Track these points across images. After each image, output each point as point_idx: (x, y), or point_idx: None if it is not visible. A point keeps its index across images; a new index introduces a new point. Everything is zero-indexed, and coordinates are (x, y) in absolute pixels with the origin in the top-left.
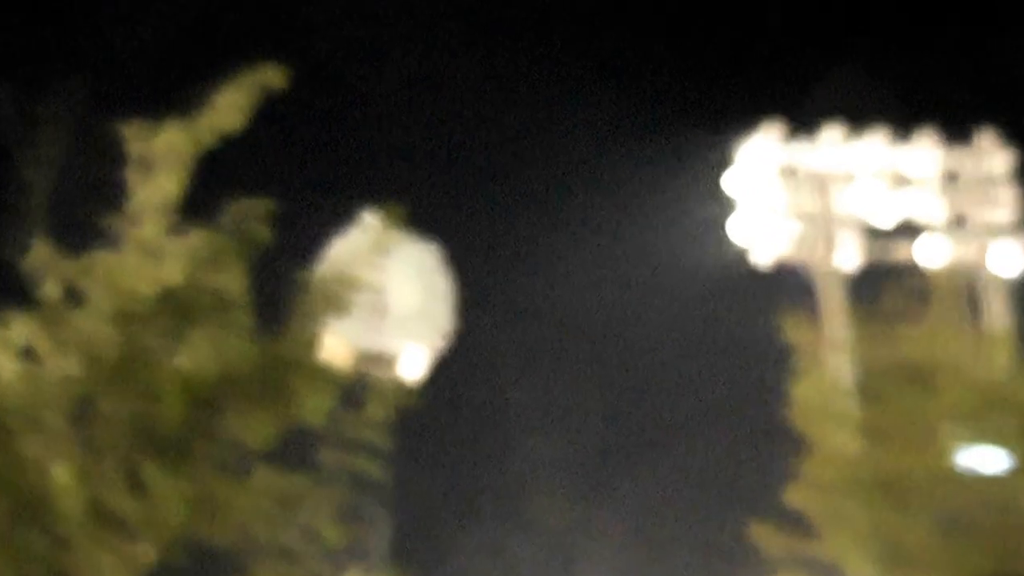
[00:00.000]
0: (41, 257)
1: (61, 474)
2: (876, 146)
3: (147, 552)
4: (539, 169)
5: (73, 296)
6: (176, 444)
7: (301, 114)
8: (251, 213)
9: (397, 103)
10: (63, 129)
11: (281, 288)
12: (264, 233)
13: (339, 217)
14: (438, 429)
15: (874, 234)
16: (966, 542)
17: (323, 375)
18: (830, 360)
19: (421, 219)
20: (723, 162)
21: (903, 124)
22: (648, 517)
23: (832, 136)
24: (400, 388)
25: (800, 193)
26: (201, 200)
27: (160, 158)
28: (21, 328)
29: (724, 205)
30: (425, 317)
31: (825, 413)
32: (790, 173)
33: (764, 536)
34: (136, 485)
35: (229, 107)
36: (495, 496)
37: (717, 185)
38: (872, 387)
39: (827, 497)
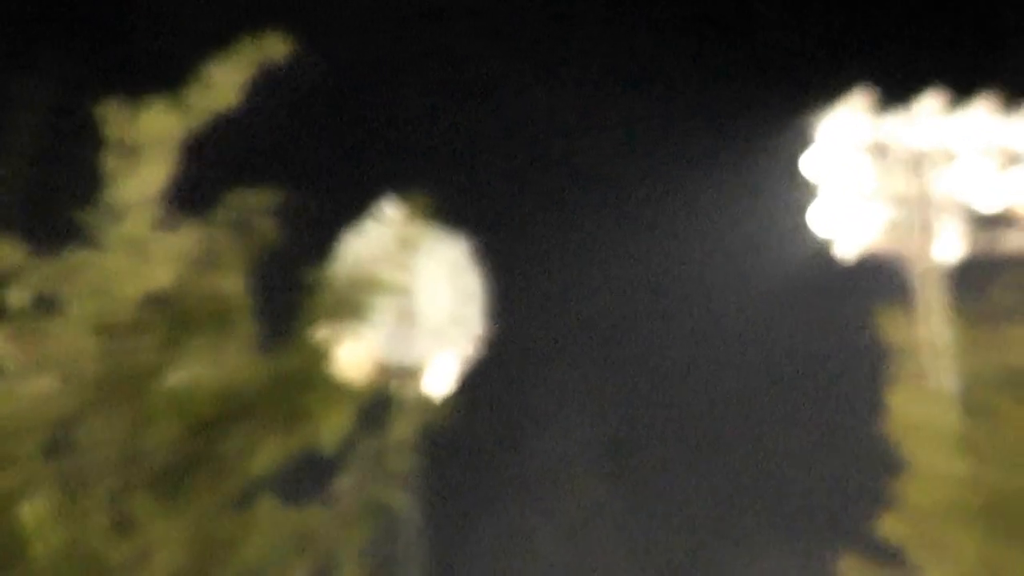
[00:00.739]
0: (10, 259)
1: (34, 512)
2: (981, 119)
3: None
4: (591, 154)
5: (47, 304)
6: (170, 475)
7: (310, 92)
8: (253, 205)
9: (422, 78)
10: (34, 112)
11: (290, 291)
12: (268, 228)
13: (356, 209)
14: (474, 449)
15: (979, 220)
16: None
17: (340, 391)
18: (929, 367)
19: (449, 210)
20: (802, 141)
21: (1013, 94)
22: (716, 544)
23: (930, 107)
24: (428, 404)
25: (892, 174)
26: (195, 191)
27: (146, 143)
28: None
29: (804, 191)
30: (455, 322)
31: (924, 428)
32: (880, 151)
33: (854, 571)
34: (123, 524)
35: (224, 83)
36: (549, 530)
37: (795, 168)
38: (978, 397)
39: (927, 525)
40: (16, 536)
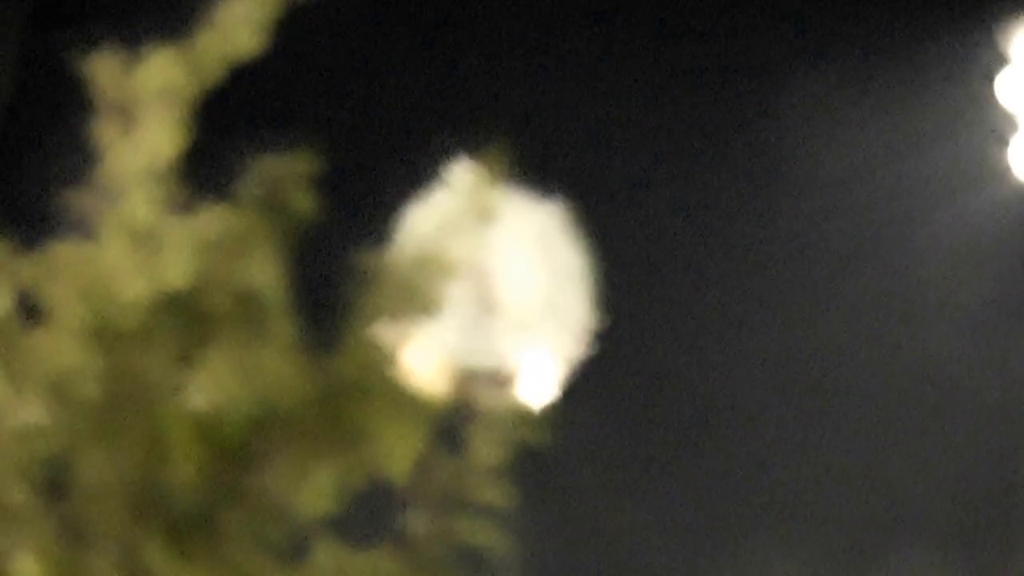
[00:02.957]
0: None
1: (28, 568)
2: None
3: None
4: (721, 85)
5: (33, 309)
6: (195, 518)
7: (353, 28)
8: (286, 175)
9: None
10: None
11: (339, 281)
12: (307, 203)
13: (419, 173)
14: (579, 472)
15: None
16: None
17: (407, 404)
18: None
19: (537, 168)
20: (997, 61)
21: None
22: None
23: None
24: (520, 417)
25: None
26: (212, 161)
27: (147, 103)
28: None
29: (1001, 122)
30: (552, 311)
31: None
32: None
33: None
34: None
35: (241, 24)
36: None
37: (990, 94)
38: None
39: None
40: None
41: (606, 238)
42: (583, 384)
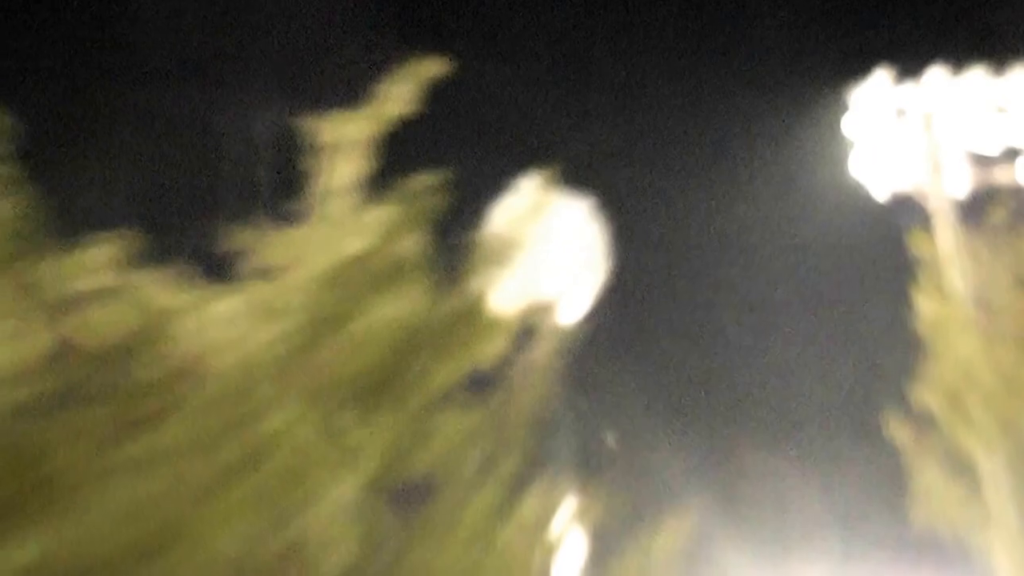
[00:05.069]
0: (243, 239)
1: (279, 416)
2: (977, 82)
3: (351, 488)
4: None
5: (271, 271)
6: (371, 392)
7: (459, 92)
8: (422, 186)
9: (549, 78)
10: (257, 129)
11: (454, 250)
12: (436, 202)
13: (501, 183)
14: (597, 361)
15: (979, 161)
16: None
17: (494, 325)
18: (947, 275)
19: (573, 177)
20: (842, 108)
21: (998, 61)
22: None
23: (936, 76)
24: (561, 331)
25: (911, 130)
26: (379, 178)
27: (342, 146)
28: (229, 302)
29: (845, 146)
30: (580, 266)
31: (946, 321)
32: (901, 112)
33: (896, 428)
34: (338, 431)
35: (399, 97)
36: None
37: (838, 129)
38: (985, 296)
39: (949, 394)
40: (261, 444)
41: (613, 219)
42: (600, 311)
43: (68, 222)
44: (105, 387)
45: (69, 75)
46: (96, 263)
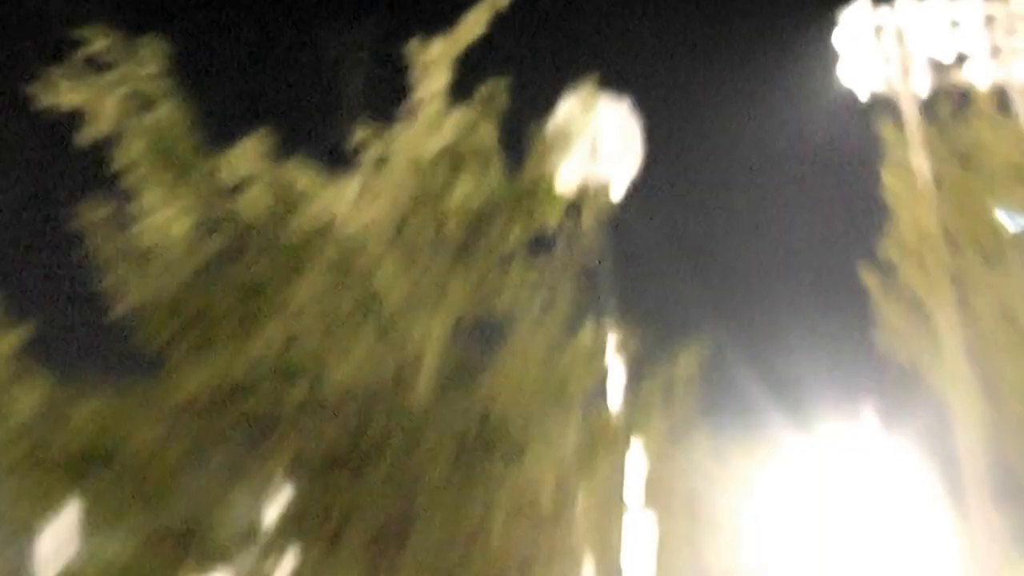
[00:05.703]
0: (362, 135)
1: (388, 270)
2: (936, 4)
3: (444, 324)
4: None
5: (380, 160)
6: (461, 246)
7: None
8: (498, 90)
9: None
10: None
11: (525, 142)
12: (506, 103)
13: (559, 87)
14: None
15: (938, 67)
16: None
17: (552, 199)
18: (911, 155)
19: (615, 82)
20: (833, 26)
21: None
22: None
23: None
24: (607, 204)
25: (887, 43)
26: (461, 84)
27: (433, 64)
28: (348, 185)
29: (835, 56)
30: (621, 153)
31: (907, 192)
32: (879, 29)
33: (869, 275)
34: (433, 280)
35: (475, 23)
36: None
37: (830, 43)
38: (940, 171)
39: (910, 250)
40: (377, 288)
41: (648, 115)
42: (636, 188)
43: (222, 125)
44: (256, 250)
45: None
46: (246, 156)
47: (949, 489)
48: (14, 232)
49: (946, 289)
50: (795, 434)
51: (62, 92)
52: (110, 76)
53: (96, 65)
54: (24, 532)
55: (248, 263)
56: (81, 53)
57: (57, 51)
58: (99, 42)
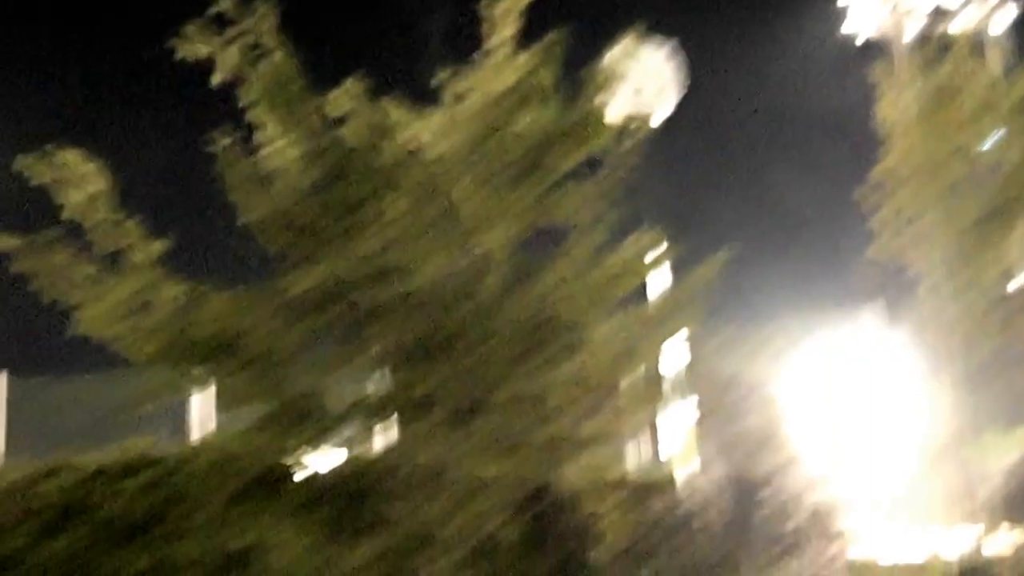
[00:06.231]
0: (444, 76)
1: (464, 188)
2: None
3: (508, 234)
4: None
5: (459, 96)
6: (523, 171)
7: None
8: (557, 38)
9: None
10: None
11: (574, 81)
12: (563, 49)
13: (612, 34)
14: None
15: (931, 12)
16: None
17: (604, 128)
18: (902, 90)
19: (656, 28)
20: None
21: None
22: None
23: None
24: (649, 133)
25: None
26: (529, 32)
27: (502, 15)
28: (436, 117)
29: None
30: (662, 89)
31: (899, 121)
32: None
33: (864, 197)
34: (501, 196)
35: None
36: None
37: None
38: (928, 102)
39: (904, 171)
40: (452, 203)
41: (689, 59)
42: (674, 119)
43: (326, 70)
44: (355, 172)
45: None
46: (346, 95)
47: (933, 371)
48: (165, 157)
49: (935, 204)
50: (809, 329)
51: (196, 44)
52: (233, 31)
53: (222, 21)
54: (173, 407)
55: (349, 183)
56: (209, 12)
57: (190, 10)
58: (224, 2)
